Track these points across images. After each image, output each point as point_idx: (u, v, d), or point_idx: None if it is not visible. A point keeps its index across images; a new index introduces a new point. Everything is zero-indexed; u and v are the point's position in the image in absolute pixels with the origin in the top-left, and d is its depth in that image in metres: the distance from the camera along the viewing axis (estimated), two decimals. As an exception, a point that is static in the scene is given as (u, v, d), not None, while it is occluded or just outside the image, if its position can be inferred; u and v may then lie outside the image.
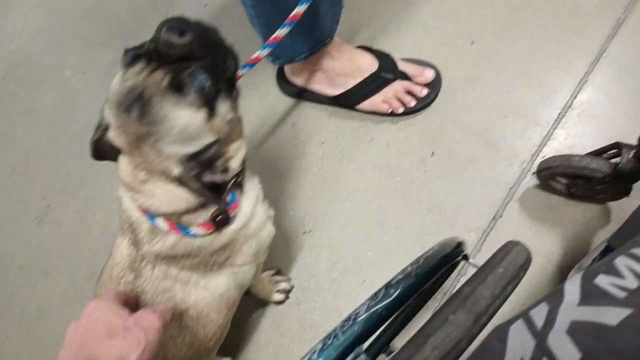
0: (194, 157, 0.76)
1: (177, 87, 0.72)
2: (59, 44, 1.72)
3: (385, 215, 1.33)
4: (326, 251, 1.32)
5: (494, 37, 1.43)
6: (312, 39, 1.25)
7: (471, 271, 0.87)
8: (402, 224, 1.31)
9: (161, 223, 0.83)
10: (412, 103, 1.38)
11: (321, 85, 1.41)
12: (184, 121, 0.73)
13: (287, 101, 1.50)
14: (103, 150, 0.83)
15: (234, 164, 0.84)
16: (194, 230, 0.84)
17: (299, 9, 1.04)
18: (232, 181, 0.85)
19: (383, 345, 0.99)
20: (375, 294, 0.56)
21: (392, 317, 1.02)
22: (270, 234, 1.02)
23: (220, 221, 0.85)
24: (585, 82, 1.35)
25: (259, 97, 1.51)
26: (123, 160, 0.82)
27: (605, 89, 1.34)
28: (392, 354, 0.48)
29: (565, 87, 1.36)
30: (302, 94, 1.47)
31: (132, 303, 0.76)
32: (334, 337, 0.51)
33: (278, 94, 1.51)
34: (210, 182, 0.79)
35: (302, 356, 0.50)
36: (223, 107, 0.78)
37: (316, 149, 1.43)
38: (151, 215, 0.83)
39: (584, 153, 1.16)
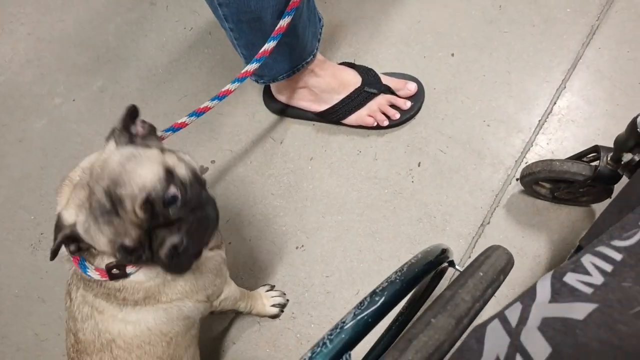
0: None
1: (120, 249, 0.77)
2: (48, 73, 1.74)
3: (376, 226, 1.35)
4: (319, 265, 1.34)
5: (473, 48, 1.47)
6: (294, 57, 1.28)
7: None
8: (393, 234, 1.33)
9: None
10: (397, 116, 1.41)
11: (307, 102, 1.44)
12: (98, 238, 0.77)
13: (274, 119, 1.53)
14: None
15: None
16: (91, 272, 0.85)
17: (268, 46, 1.08)
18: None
19: (378, 355, 1.00)
20: (361, 302, 0.58)
21: (387, 328, 1.04)
22: (203, 276, 0.99)
23: (115, 274, 0.86)
24: (563, 89, 1.39)
25: (247, 115, 1.53)
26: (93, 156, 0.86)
27: (583, 94, 1.38)
28: None
29: (544, 94, 1.39)
30: (288, 111, 1.49)
31: None
32: (323, 345, 0.53)
33: (266, 112, 1.53)
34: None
35: (294, 364, 0.52)
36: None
37: (305, 164, 1.45)
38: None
39: (566, 157, 1.19)
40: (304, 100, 1.44)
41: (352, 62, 1.46)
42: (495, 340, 0.44)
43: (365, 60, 1.50)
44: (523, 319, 0.44)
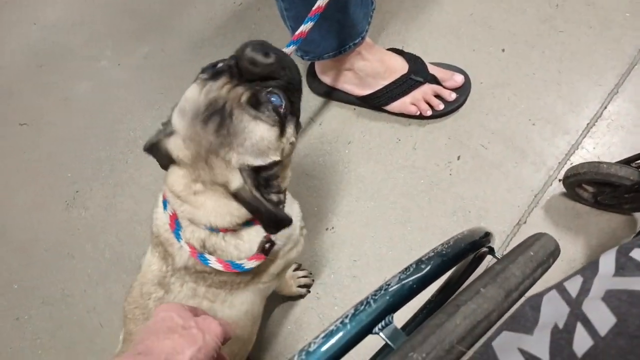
0: (257, 171, 0.79)
1: (256, 104, 0.76)
2: (97, 36, 1.77)
3: (409, 215, 1.33)
4: (348, 248, 1.33)
5: (525, 45, 1.44)
6: (342, 36, 1.27)
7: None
8: (426, 225, 1.31)
9: (185, 246, 0.85)
10: (441, 106, 1.39)
11: (350, 85, 1.43)
12: (259, 135, 0.76)
13: (315, 100, 1.52)
14: (155, 154, 0.85)
15: (284, 187, 0.88)
16: (248, 264, 0.86)
17: (304, 27, 1.05)
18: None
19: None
20: (407, 268, 0.57)
21: (413, 315, 1.03)
22: (297, 253, 1.02)
23: (269, 249, 0.87)
24: (615, 93, 1.35)
25: (288, 94, 1.53)
26: (177, 171, 0.82)
27: (635, 100, 1.34)
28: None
29: (595, 97, 1.35)
30: (330, 93, 1.49)
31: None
32: (366, 304, 0.52)
33: (307, 92, 1.53)
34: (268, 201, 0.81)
35: (335, 320, 0.52)
36: (290, 129, 0.82)
37: (343, 147, 1.44)
38: (179, 234, 0.85)
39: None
40: (348, 83, 1.43)
41: (401, 48, 1.45)
42: (553, 309, 0.42)
43: (413, 48, 1.48)
44: (584, 290, 0.42)
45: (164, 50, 1.70)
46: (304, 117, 1.50)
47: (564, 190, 1.27)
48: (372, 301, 0.52)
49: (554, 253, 0.63)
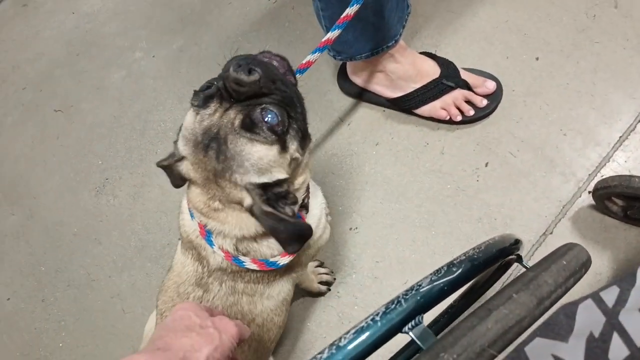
0: (264, 187, 0.80)
1: (250, 125, 0.76)
2: (132, 27, 1.80)
3: (434, 219, 1.33)
4: (371, 249, 1.34)
5: (560, 54, 1.43)
6: (376, 39, 1.27)
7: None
8: (450, 230, 1.31)
9: (218, 251, 0.88)
10: (471, 112, 1.38)
11: (381, 86, 1.43)
12: (257, 155, 0.77)
13: (345, 100, 1.53)
14: (168, 174, 0.89)
15: (300, 195, 0.89)
16: (282, 260, 0.89)
17: (331, 35, 1.05)
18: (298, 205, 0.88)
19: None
20: (438, 270, 0.57)
21: (434, 320, 1.03)
22: (326, 239, 1.04)
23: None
24: (650, 107, 1.33)
25: (319, 94, 1.54)
26: (195, 190, 0.86)
27: (671, 115, 1.32)
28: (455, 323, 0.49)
29: (629, 110, 1.34)
30: (361, 94, 1.49)
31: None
32: (397, 303, 0.53)
33: (337, 92, 1.53)
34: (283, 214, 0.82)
35: (365, 317, 0.52)
36: (292, 145, 0.82)
37: (370, 149, 1.45)
38: (211, 241, 0.87)
39: (645, 176, 1.14)
40: (379, 85, 1.43)
41: (433, 53, 1.44)
42: (589, 318, 0.42)
43: (446, 53, 1.48)
44: (621, 300, 0.42)
45: (198, 44, 1.72)
46: (331, 115, 1.51)
47: (592, 202, 1.26)
48: (403, 300, 0.53)
49: (586, 264, 0.63)
